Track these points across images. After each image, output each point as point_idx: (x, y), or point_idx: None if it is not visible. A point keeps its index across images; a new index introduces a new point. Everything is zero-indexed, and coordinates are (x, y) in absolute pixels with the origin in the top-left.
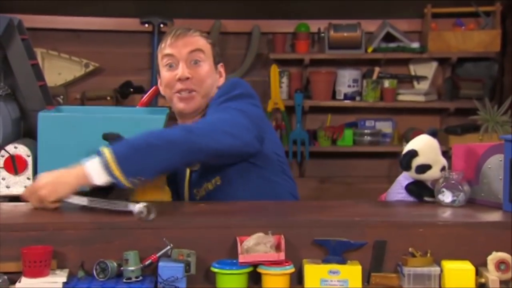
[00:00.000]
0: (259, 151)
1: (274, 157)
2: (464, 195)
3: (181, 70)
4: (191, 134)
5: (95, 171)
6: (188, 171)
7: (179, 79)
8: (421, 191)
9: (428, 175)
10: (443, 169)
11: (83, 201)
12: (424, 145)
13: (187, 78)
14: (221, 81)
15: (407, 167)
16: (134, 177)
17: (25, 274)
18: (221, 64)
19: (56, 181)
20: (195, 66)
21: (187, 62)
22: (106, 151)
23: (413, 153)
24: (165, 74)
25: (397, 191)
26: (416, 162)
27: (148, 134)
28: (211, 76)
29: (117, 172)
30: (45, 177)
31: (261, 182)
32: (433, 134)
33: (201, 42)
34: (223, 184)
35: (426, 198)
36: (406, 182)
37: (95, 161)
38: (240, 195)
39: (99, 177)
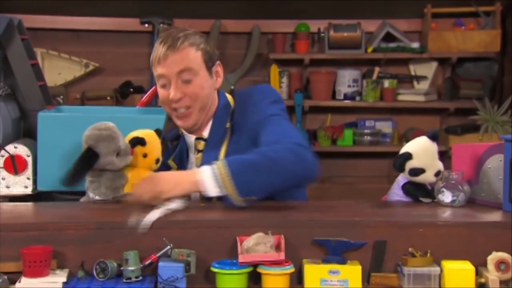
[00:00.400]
0: None
1: None
2: (464, 195)
3: (173, 91)
4: (303, 162)
5: (208, 183)
6: None
7: (172, 100)
8: (416, 191)
9: (421, 179)
10: (437, 173)
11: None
12: (419, 149)
13: (180, 99)
14: (219, 81)
15: (400, 169)
16: (247, 195)
17: (25, 274)
18: (217, 63)
19: (176, 182)
20: (186, 85)
21: (178, 81)
22: (222, 169)
23: (407, 156)
24: (159, 91)
25: (395, 191)
26: (409, 165)
27: (261, 154)
28: (206, 87)
29: (230, 189)
30: (164, 177)
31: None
32: (433, 137)
33: (190, 56)
34: None
35: (422, 199)
36: (404, 182)
37: (209, 173)
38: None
39: (212, 190)
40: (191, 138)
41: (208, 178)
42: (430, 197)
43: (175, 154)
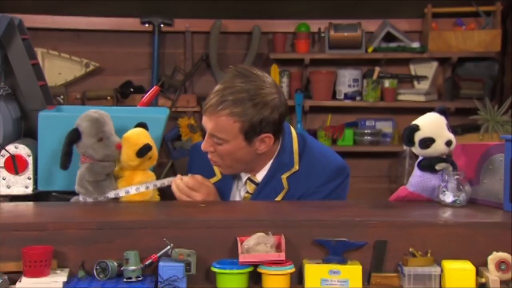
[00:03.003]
0: None
1: None
2: (465, 195)
3: (204, 144)
4: None
5: None
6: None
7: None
8: (432, 162)
9: (433, 149)
10: (448, 143)
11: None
12: (426, 120)
13: (209, 152)
14: (263, 149)
15: (409, 142)
16: None
17: (25, 274)
18: (264, 135)
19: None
20: (217, 144)
21: (211, 138)
22: None
23: (414, 127)
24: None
25: (415, 174)
26: (418, 136)
27: None
28: (239, 152)
29: None
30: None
31: None
32: (442, 112)
33: (223, 124)
34: None
35: (438, 167)
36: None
37: None
38: None
39: None
40: (243, 175)
41: None
42: (445, 162)
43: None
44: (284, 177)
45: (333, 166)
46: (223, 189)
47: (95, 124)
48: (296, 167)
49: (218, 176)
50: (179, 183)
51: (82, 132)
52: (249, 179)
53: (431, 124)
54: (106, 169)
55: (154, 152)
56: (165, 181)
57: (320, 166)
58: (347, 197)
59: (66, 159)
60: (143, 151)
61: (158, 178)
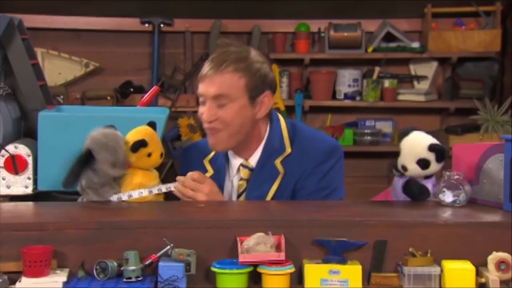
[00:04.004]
0: None
1: None
2: (465, 195)
3: (205, 112)
4: None
5: None
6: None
7: (204, 120)
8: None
9: (410, 172)
10: (419, 162)
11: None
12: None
13: (211, 121)
14: (262, 113)
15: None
16: None
17: (25, 274)
18: (265, 93)
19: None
20: (220, 109)
21: (214, 103)
22: None
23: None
24: (199, 107)
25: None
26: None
27: None
28: (242, 114)
29: None
30: (207, 196)
31: None
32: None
33: (230, 81)
34: None
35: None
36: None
37: None
38: None
39: None
40: (235, 160)
41: None
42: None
43: (212, 156)
44: (278, 161)
45: (326, 147)
46: (217, 184)
47: (112, 154)
48: (289, 150)
49: (210, 172)
50: (183, 179)
51: (96, 158)
52: (241, 165)
53: (404, 149)
54: (116, 186)
55: (155, 150)
56: (171, 186)
57: (313, 148)
58: (344, 180)
59: (72, 179)
60: (135, 146)
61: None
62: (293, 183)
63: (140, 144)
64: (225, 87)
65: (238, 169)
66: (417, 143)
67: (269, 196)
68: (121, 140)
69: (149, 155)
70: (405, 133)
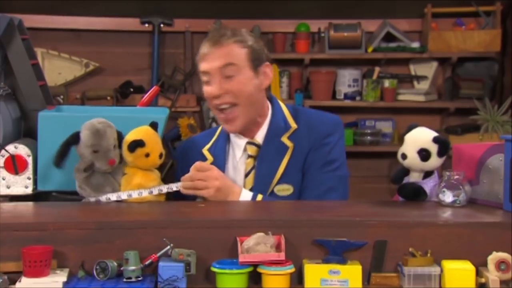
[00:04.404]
0: None
1: None
2: (465, 195)
3: (214, 86)
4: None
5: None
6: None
7: (214, 97)
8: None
9: (408, 162)
10: (420, 152)
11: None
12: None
13: (220, 95)
14: (267, 83)
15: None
16: None
17: (25, 274)
18: (265, 64)
19: (223, 190)
20: (228, 81)
21: (221, 77)
22: (260, 197)
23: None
24: (204, 89)
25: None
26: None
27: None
28: (249, 84)
29: None
30: (218, 180)
31: None
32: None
33: (234, 51)
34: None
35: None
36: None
37: (249, 196)
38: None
39: None
40: (240, 140)
41: (247, 195)
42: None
43: (211, 145)
44: (285, 138)
45: (332, 120)
46: (219, 153)
47: (94, 136)
48: (294, 125)
49: (210, 159)
50: (188, 175)
51: (81, 138)
52: (248, 143)
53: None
54: (81, 164)
55: (153, 151)
56: (173, 186)
57: (319, 122)
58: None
59: (59, 159)
60: (132, 145)
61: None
62: (302, 157)
63: (136, 144)
64: (230, 57)
65: (245, 149)
66: (422, 134)
67: (279, 173)
68: (112, 130)
69: (147, 155)
70: (411, 127)
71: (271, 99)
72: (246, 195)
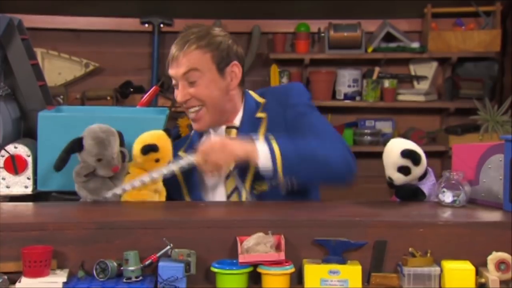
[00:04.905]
0: None
1: None
2: (464, 195)
3: (179, 93)
4: (347, 166)
5: (264, 156)
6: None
7: (180, 101)
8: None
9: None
10: (399, 169)
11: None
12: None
13: (185, 101)
14: (235, 83)
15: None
16: (289, 176)
17: (25, 274)
18: (232, 63)
19: (225, 148)
20: (191, 87)
21: (184, 83)
22: (275, 145)
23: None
24: (174, 91)
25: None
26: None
27: (312, 145)
28: (214, 88)
29: (279, 168)
30: (235, 148)
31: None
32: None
33: (196, 57)
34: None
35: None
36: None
37: (265, 148)
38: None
39: (265, 162)
40: (220, 129)
41: (264, 153)
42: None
43: (186, 146)
44: (258, 112)
45: (293, 84)
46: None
47: (98, 146)
48: (263, 100)
49: None
50: (205, 146)
51: (84, 147)
52: (227, 127)
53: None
54: (83, 170)
55: (164, 157)
56: (183, 163)
57: (283, 88)
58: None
59: (61, 164)
60: (146, 149)
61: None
62: (278, 123)
63: (150, 149)
64: (192, 64)
65: (226, 133)
66: (391, 152)
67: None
68: (115, 138)
69: (157, 160)
70: (386, 144)
71: (244, 93)
72: (261, 148)
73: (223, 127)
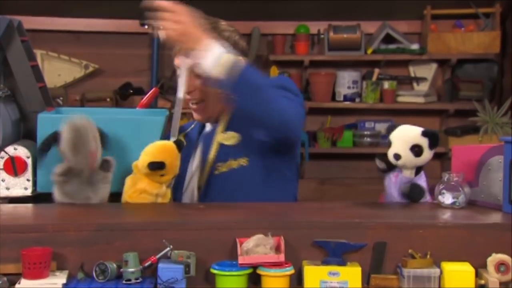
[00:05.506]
0: (295, 145)
1: (298, 159)
2: (464, 197)
3: (186, 84)
4: (292, 116)
5: (216, 55)
6: (216, 144)
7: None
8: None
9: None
10: (412, 147)
11: None
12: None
13: (190, 92)
14: None
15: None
16: (229, 89)
17: (24, 275)
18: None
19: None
20: (197, 78)
21: (191, 74)
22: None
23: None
24: (178, 82)
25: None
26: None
27: (268, 81)
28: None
29: (224, 75)
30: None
31: (280, 182)
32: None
33: None
34: (247, 168)
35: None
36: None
37: (220, 53)
38: (257, 185)
39: (214, 62)
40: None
41: (217, 49)
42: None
43: (189, 130)
44: None
45: (279, 76)
46: (187, 151)
47: (75, 136)
48: None
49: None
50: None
51: (61, 139)
52: None
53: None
54: (61, 168)
55: (169, 173)
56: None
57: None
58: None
59: (39, 158)
60: (153, 166)
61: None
62: None
63: (158, 167)
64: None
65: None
66: (409, 131)
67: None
68: (94, 131)
69: (162, 175)
70: (393, 127)
71: None
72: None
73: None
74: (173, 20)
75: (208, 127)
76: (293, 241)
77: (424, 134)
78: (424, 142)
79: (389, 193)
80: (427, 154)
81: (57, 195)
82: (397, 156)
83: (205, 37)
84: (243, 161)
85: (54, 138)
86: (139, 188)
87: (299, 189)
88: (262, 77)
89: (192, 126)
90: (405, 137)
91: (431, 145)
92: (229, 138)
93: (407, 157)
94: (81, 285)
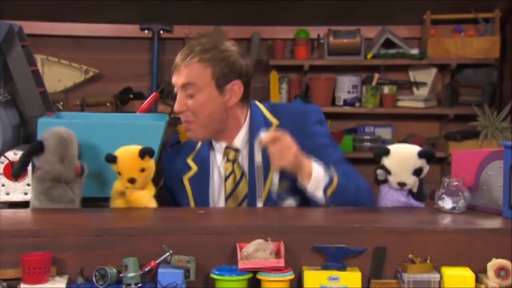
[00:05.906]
0: None
1: None
2: (464, 202)
3: (176, 103)
4: (369, 196)
5: (321, 183)
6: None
7: (176, 111)
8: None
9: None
10: (400, 184)
11: None
12: (398, 153)
13: (181, 112)
14: (233, 101)
15: (377, 158)
16: (332, 204)
17: (24, 280)
18: (234, 82)
19: (297, 164)
20: (189, 99)
21: (183, 94)
22: (336, 178)
23: (386, 151)
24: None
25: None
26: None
27: (357, 181)
28: (211, 104)
29: (328, 198)
30: (298, 159)
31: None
32: (423, 155)
33: (196, 70)
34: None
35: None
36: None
37: (324, 180)
38: None
39: (319, 193)
40: (219, 144)
41: (321, 181)
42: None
43: (195, 154)
44: None
45: (310, 107)
46: (203, 179)
47: (62, 145)
48: (276, 121)
49: (194, 169)
50: (279, 135)
51: (46, 148)
52: (226, 147)
53: (396, 167)
54: (48, 175)
55: (124, 171)
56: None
57: (299, 113)
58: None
59: (21, 169)
60: (144, 151)
61: (157, 186)
62: None
63: (109, 159)
64: (191, 77)
65: (225, 153)
66: (406, 156)
67: (270, 177)
68: (75, 140)
69: (119, 173)
70: (382, 153)
71: (250, 104)
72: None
73: (223, 146)
74: (283, 151)
75: (223, 159)
76: (293, 246)
77: (421, 155)
78: (422, 162)
79: (383, 203)
80: (426, 170)
81: (39, 203)
82: (403, 184)
83: (306, 163)
84: (290, 201)
85: (37, 149)
86: (137, 198)
87: None
88: (352, 177)
89: (198, 146)
90: (404, 163)
91: (429, 162)
92: (281, 186)
93: (411, 181)
94: None
